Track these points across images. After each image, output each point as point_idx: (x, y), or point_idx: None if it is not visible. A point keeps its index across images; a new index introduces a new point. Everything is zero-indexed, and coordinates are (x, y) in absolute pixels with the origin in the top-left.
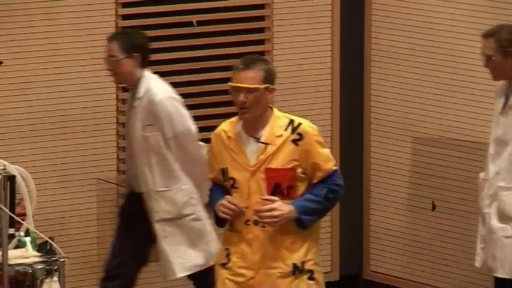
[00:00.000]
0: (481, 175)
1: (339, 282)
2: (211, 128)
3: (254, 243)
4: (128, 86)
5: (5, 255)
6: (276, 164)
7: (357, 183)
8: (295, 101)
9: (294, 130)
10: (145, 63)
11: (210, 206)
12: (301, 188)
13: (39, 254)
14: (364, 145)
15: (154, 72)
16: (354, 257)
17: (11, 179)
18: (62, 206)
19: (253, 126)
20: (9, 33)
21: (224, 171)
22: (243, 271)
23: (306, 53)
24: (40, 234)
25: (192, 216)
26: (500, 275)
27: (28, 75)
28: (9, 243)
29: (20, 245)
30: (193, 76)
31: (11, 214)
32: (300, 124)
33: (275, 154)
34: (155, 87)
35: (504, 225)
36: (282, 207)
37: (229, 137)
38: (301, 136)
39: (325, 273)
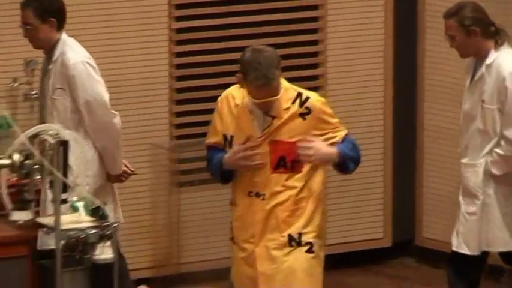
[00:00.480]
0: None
1: (391, 249)
2: None
3: (256, 215)
4: (45, 51)
5: (58, 220)
6: (281, 137)
7: (411, 150)
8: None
9: (302, 104)
10: (62, 26)
11: (212, 169)
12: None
13: (92, 219)
14: (418, 112)
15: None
16: (407, 224)
17: (64, 144)
18: None
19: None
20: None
21: (228, 139)
22: (245, 245)
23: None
24: (93, 199)
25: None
26: (461, 251)
27: (81, 41)
28: (62, 208)
29: (73, 209)
30: None
31: (64, 179)
32: (307, 98)
33: (281, 127)
34: (70, 50)
35: (468, 201)
36: (322, 147)
37: (236, 105)
38: (309, 110)
39: (377, 239)
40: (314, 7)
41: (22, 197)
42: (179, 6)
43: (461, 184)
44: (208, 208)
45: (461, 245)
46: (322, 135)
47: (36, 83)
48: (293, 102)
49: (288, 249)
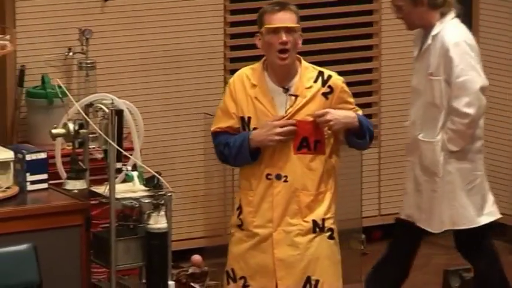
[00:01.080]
0: (406, 123)
1: None
2: None
3: (275, 198)
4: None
5: (112, 189)
6: (304, 117)
7: None
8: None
9: (324, 83)
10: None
11: (233, 151)
12: (329, 144)
13: (146, 188)
14: None
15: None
16: None
17: (119, 113)
18: (169, 141)
19: (282, 75)
20: None
21: (245, 120)
22: (258, 230)
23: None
24: (147, 168)
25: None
26: (425, 227)
27: (135, 10)
28: (116, 177)
29: (127, 179)
30: None
31: (119, 148)
32: (330, 76)
33: (304, 106)
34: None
35: (427, 178)
36: (338, 112)
37: (253, 85)
38: (331, 89)
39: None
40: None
41: (76, 166)
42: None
43: (419, 159)
44: None
45: (423, 221)
46: None
47: (91, 52)
48: (315, 81)
49: (311, 235)
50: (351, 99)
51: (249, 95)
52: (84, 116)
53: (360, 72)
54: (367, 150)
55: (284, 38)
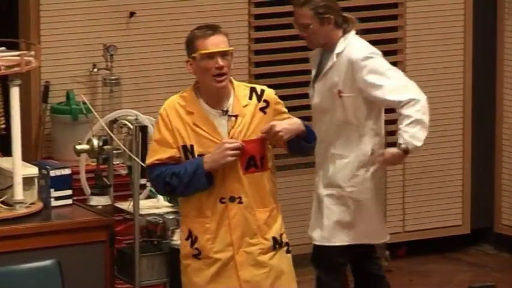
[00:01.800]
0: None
1: (469, 236)
2: None
3: (232, 221)
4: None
5: (136, 205)
6: (250, 135)
7: (490, 137)
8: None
9: (259, 98)
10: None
11: (185, 179)
12: (270, 157)
13: (170, 205)
14: (497, 100)
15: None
16: (485, 211)
17: (143, 129)
18: None
19: (219, 98)
20: None
21: (188, 148)
22: (218, 255)
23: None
24: None
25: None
26: (328, 244)
27: (160, 26)
28: (140, 193)
29: (151, 195)
30: None
31: (143, 164)
32: (263, 91)
33: (246, 125)
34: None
35: (332, 193)
36: (282, 122)
37: (189, 112)
38: (267, 103)
39: (455, 226)
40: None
41: (101, 182)
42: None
43: (324, 175)
44: (295, 193)
45: (327, 239)
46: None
47: (116, 69)
48: (250, 98)
49: (272, 252)
50: (285, 109)
51: (187, 123)
52: (109, 132)
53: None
54: (391, 167)
55: (220, 62)
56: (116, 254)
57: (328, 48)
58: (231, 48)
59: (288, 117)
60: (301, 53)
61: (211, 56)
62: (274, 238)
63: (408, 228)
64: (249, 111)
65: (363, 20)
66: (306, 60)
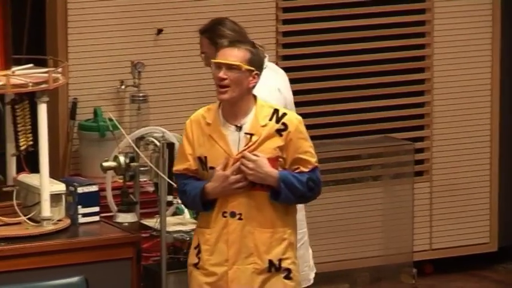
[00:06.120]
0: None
1: (497, 254)
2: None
3: (230, 237)
4: None
5: (163, 222)
6: (261, 154)
7: None
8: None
9: (278, 120)
10: None
11: (188, 201)
12: None
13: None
14: None
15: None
16: None
17: (170, 146)
18: None
19: (233, 113)
20: (168, 1)
21: (203, 160)
22: (215, 269)
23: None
24: None
25: None
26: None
27: (188, 43)
28: (167, 210)
29: (178, 212)
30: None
31: (170, 181)
32: (284, 114)
33: (260, 145)
34: None
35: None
36: (264, 165)
37: (208, 124)
38: (285, 126)
39: (483, 244)
40: (421, 11)
41: (127, 199)
42: (286, 10)
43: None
44: (313, 212)
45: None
46: (296, 158)
47: (143, 86)
48: (270, 119)
49: (267, 274)
50: (305, 142)
51: (206, 134)
52: (136, 148)
53: (411, 106)
54: (418, 184)
55: (221, 74)
56: (143, 271)
57: None
58: (235, 62)
59: (306, 152)
60: (328, 70)
61: (219, 66)
62: (270, 261)
63: (435, 246)
64: (265, 131)
65: (390, 37)
66: (335, 77)
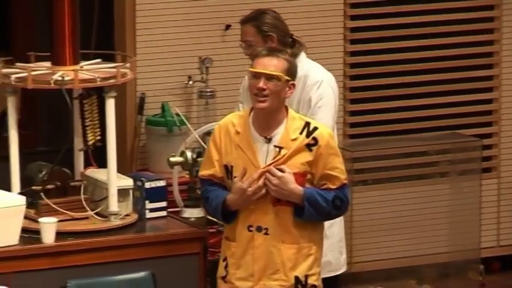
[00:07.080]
0: None
1: None
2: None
3: (256, 251)
4: None
5: None
6: (288, 168)
7: None
8: None
9: (309, 134)
10: None
11: (211, 210)
12: None
13: None
14: None
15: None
16: None
17: None
18: None
19: (266, 123)
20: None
21: (228, 169)
22: (240, 283)
23: None
24: None
25: None
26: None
27: None
28: None
29: None
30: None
31: None
32: (315, 128)
33: (288, 159)
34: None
35: None
36: (289, 182)
37: (237, 133)
38: (316, 141)
39: None
40: (490, 7)
41: (194, 194)
42: (354, 5)
43: None
44: (380, 208)
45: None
46: (325, 173)
47: (211, 81)
48: (301, 133)
49: None
50: (336, 158)
51: (233, 142)
52: (202, 144)
53: (479, 102)
54: (486, 181)
55: (261, 84)
56: (209, 266)
57: None
58: (276, 73)
59: (336, 168)
60: (396, 66)
61: (257, 75)
62: (296, 277)
63: (503, 243)
64: (295, 145)
65: (458, 34)
66: (403, 73)
